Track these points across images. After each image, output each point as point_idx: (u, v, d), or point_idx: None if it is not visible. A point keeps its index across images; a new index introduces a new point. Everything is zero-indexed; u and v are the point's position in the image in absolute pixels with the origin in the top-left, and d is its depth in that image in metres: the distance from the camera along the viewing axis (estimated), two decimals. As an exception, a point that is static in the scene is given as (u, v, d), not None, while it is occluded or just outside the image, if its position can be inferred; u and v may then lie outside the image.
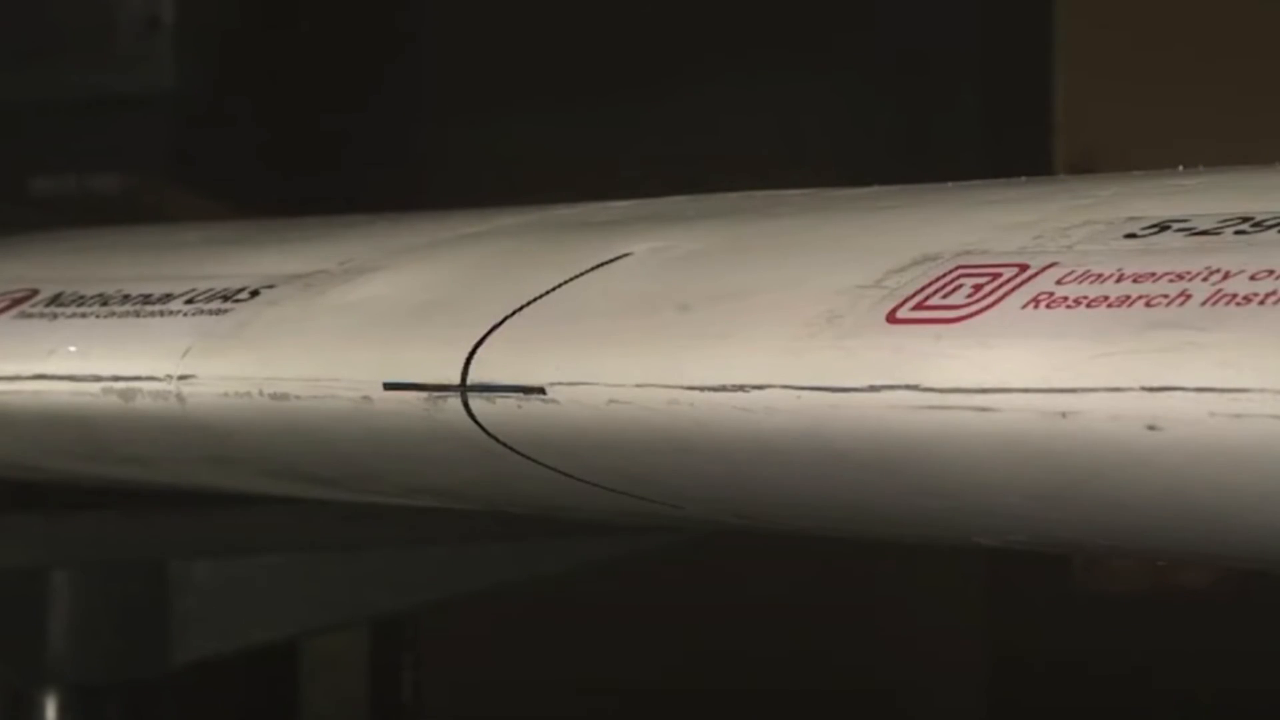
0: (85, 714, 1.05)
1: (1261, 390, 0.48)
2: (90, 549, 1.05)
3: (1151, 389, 0.49)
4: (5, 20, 1.16)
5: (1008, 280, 0.55)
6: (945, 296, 0.55)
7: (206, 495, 0.91)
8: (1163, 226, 0.55)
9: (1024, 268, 0.55)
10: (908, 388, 0.53)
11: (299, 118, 1.03)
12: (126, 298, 0.72)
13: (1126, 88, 0.73)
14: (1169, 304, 0.51)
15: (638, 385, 0.59)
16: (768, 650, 1.39)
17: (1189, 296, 0.51)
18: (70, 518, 1.03)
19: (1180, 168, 0.62)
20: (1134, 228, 0.56)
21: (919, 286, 0.56)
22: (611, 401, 0.58)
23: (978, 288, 0.55)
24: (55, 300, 0.74)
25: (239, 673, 1.11)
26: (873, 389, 0.53)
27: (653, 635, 1.28)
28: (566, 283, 0.63)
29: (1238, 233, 0.54)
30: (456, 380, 0.61)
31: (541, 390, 0.59)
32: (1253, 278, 0.50)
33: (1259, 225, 0.53)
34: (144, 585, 1.05)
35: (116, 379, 0.67)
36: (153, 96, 1.11)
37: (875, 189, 0.66)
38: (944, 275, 0.56)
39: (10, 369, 0.71)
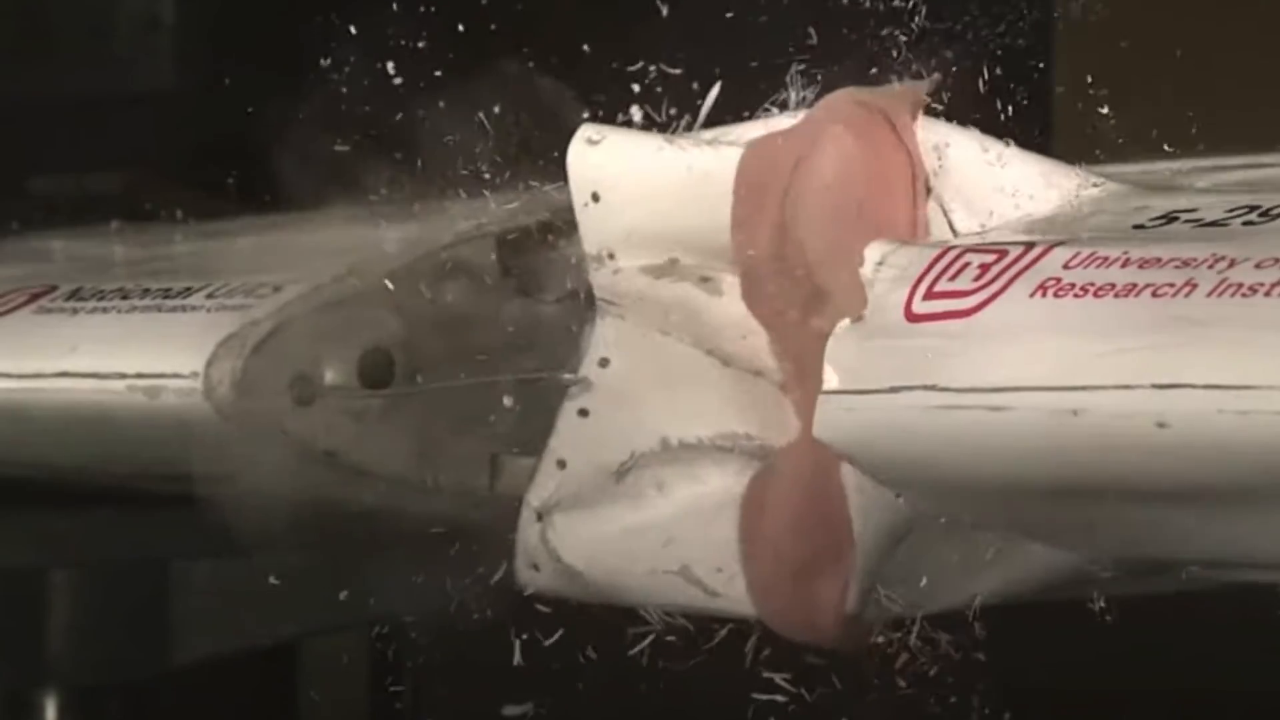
0: (85, 714, 1.05)
1: (1270, 387, 0.48)
2: (90, 549, 1.05)
3: (1161, 386, 0.50)
4: (4, 20, 1.16)
5: (1015, 260, 0.55)
6: (953, 279, 0.55)
7: (206, 495, 0.91)
8: (1170, 218, 0.56)
9: (1030, 247, 0.55)
10: (926, 388, 0.53)
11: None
12: (147, 291, 0.72)
13: (1128, 87, 0.73)
14: (1175, 293, 0.51)
15: None
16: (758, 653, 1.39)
17: (1195, 286, 0.51)
18: (70, 518, 1.03)
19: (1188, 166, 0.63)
20: (1142, 218, 0.56)
21: (926, 265, 0.56)
22: None
23: (985, 267, 0.55)
24: (75, 295, 0.74)
25: (239, 673, 1.11)
26: (893, 390, 0.54)
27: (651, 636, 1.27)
28: None
29: (1246, 223, 0.54)
30: None
31: None
32: (1258, 266, 0.51)
33: (1267, 215, 0.54)
34: (144, 585, 1.05)
35: (141, 376, 0.68)
36: (153, 96, 1.11)
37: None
38: (950, 252, 0.56)
39: (33, 366, 0.71)
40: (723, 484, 0.64)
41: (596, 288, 0.65)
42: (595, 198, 0.64)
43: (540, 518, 0.66)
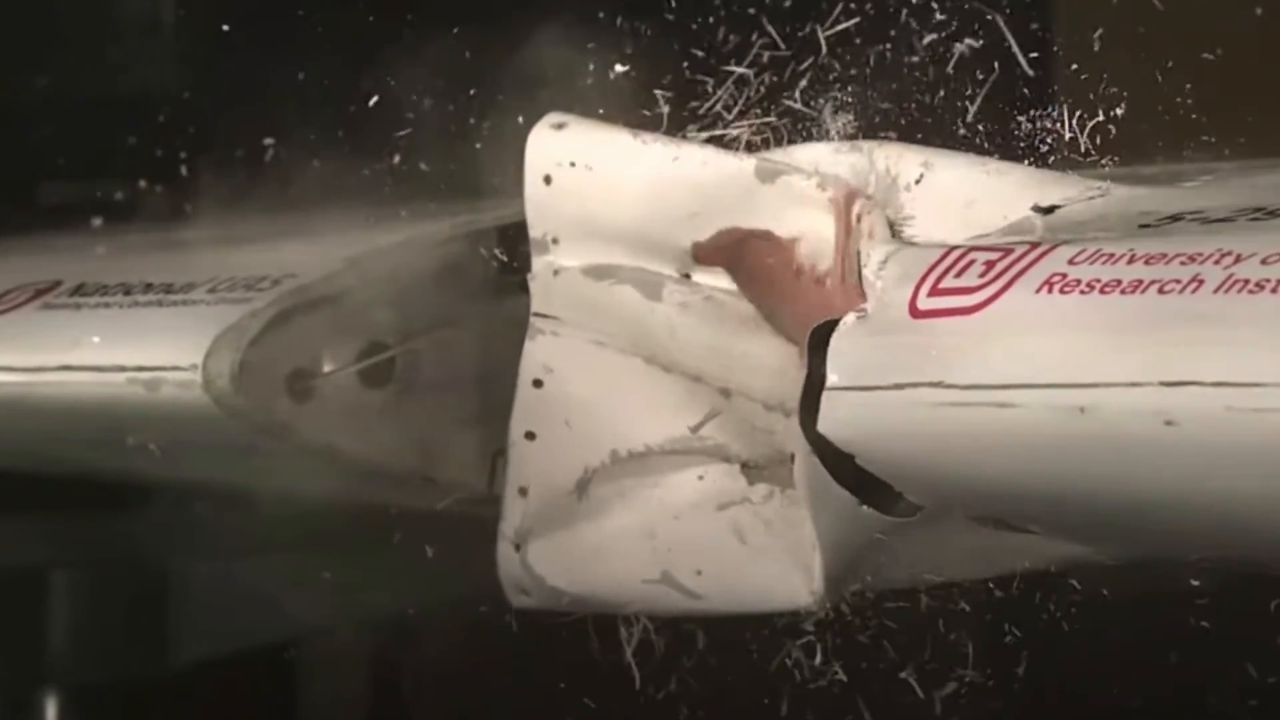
0: (85, 714, 1.05)
1: (1279, 385, 0.48)
2: (90, 549, 1.04)
3: (1169, 383, 0.49)
4: (6, 21, 1.16)
5: (1020, 257, 0.55)
6: (959, 276, 0.55)
7: (207, 494, 0.91)
8: (1176, 218, 0.56)
9: (1035, 244, 0.55)
10: (931, 385, 0.53)
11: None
12: (149, 287, 0.72)
13: (1130, 94, 0.74)
14: (1182, 290, 0.51)
15: None
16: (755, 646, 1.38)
17: (1201, 282, 0.51)
18: (70, 518, 1.03)
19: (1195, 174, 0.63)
20: (1148, 219, 0.56)
21: (930, 263, 0.56)
22: None
23: (990, 264, 0.55)
24: (78, 290, 0.74)
25: (239, 673, 1.11)
26: (898, 387, 0.54)
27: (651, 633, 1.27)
28: None
29: (1251, 219, 0.54)
30: None
31: None
32: (1264, 261, 0.50)
33: (1273, 214, 0.54)
34: (144, 585, 1.05)
35: (141, 369, 0.68)
36: (153, 96, 1.11)
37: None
38: (954, 251, 0.56)
39: (35, 360, 0.71)
40: (685, 487, 0.64)
41: (533, 297, 0.65)
42: (548, 180, 0.63)
43: (517, 547, 0.66)
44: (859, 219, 0.60)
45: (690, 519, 0.63)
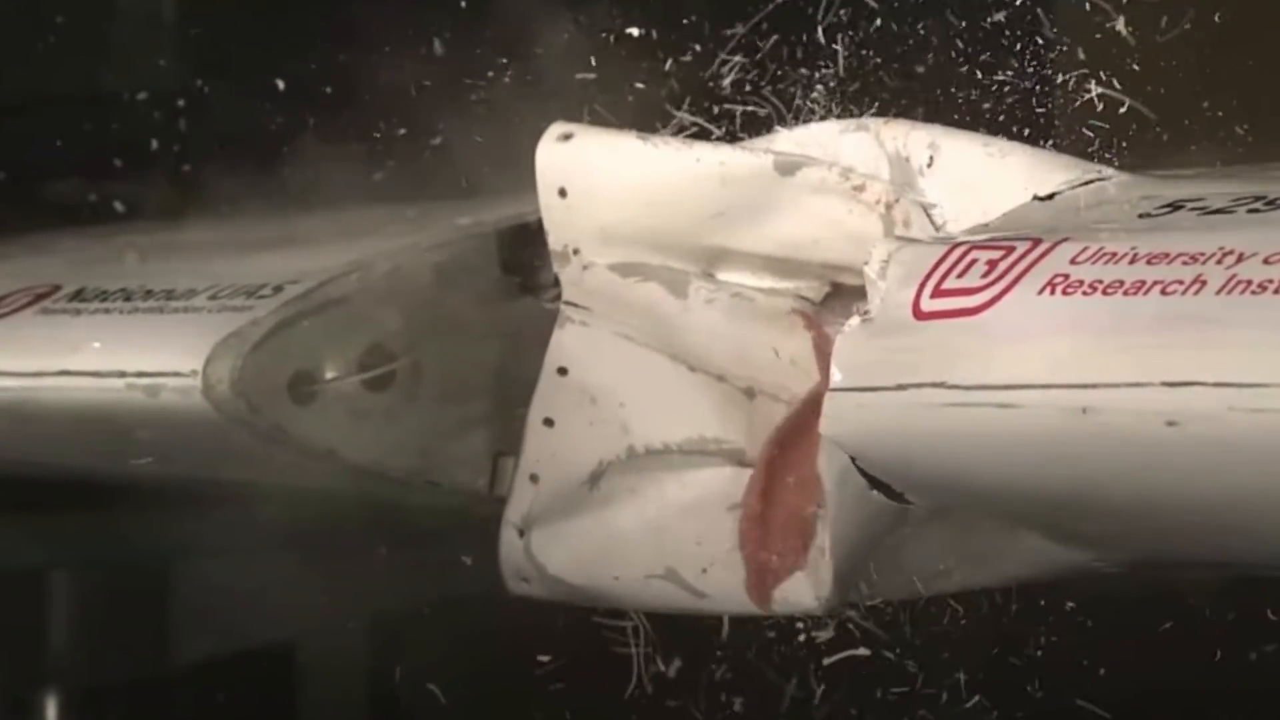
0: (85, 714, 1.05)
1: (1280, 385, 0.48)
2: (90, 549, 1.05)
3: (1172, 384, 0.49)
4: (5, 19, 1.16)
5: (1022, 256, 0.55)
6: (961, 276, 0.55)
7: (207, 497, 0.91)
8: (1176, 206, 0.56)
9: (1036, 242, 0.55)
10: (934, 385, 0.53)
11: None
12: (150, 293, 0.72)
13: (1127, 88, 0.73)
14: (1185, 291, 0.51)
15: None
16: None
17: (1204, 283, 0.51)
18: (70, 518, 1.03)
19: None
20: (1148, 207, 0.56)
21: (932, 263, 0.56)
22: None
23: (992, 264, 0.55)
24: (78, 295, 0.74)
25: (239, 673, 1.10)
26: (900, 388, 0.54)
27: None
28: None
29: (1251, 211, 0.54)
30: None
31: None
32: (1267, 261, 0.50)
33: (1273, 204, 0.54)
34: (144, 585, 1.05)
35: (141, 375, 0.68)
36: (152, 95, 1.11)
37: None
38: (956, 249, 0.56)
39: (34, 365, 0.71)
40: (695, 486, 0.64)
41: (564, 287, 0.65)
42: (563, 193, 0.64)
43: (521, 534, 0.66)
44: (889, 208, 0.60)
45: (698, 518, 0.63)
